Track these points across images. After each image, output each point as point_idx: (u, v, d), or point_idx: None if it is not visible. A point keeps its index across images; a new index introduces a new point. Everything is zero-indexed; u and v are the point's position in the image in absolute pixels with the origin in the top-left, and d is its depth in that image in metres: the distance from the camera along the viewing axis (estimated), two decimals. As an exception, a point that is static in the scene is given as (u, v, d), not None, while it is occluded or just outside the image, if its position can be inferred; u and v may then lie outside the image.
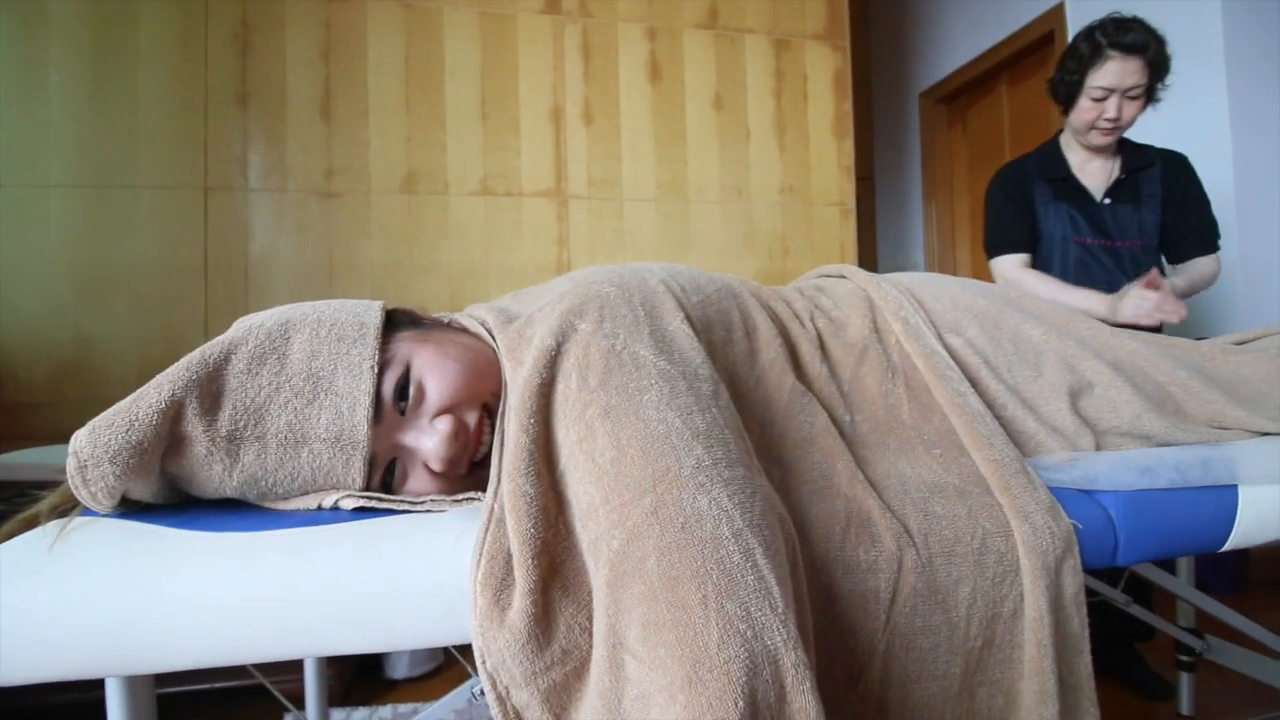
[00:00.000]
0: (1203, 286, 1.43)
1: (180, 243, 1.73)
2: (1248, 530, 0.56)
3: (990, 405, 0.58)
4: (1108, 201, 1.42)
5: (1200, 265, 1.42)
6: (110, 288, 1.70)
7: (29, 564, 0.39)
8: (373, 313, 0.50)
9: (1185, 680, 1.24)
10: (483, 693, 0.82)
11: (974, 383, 0.59)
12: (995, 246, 1.46)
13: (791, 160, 2.18)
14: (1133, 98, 1.32)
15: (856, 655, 0.44)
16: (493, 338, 0.53)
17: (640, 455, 0.39)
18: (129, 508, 0.45)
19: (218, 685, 1.23)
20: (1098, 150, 1.41)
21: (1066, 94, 1.38)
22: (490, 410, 0.50)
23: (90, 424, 0.41)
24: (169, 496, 0.46)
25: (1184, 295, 1.37)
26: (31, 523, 0.45)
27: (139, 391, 0.42)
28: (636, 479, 0.38)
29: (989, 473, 0.50)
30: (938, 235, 3.39)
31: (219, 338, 0.47)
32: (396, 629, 0.40)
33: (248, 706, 1.29)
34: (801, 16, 2.20)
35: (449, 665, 1.49)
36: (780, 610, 0.35)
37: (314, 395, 0.45)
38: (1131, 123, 1.36)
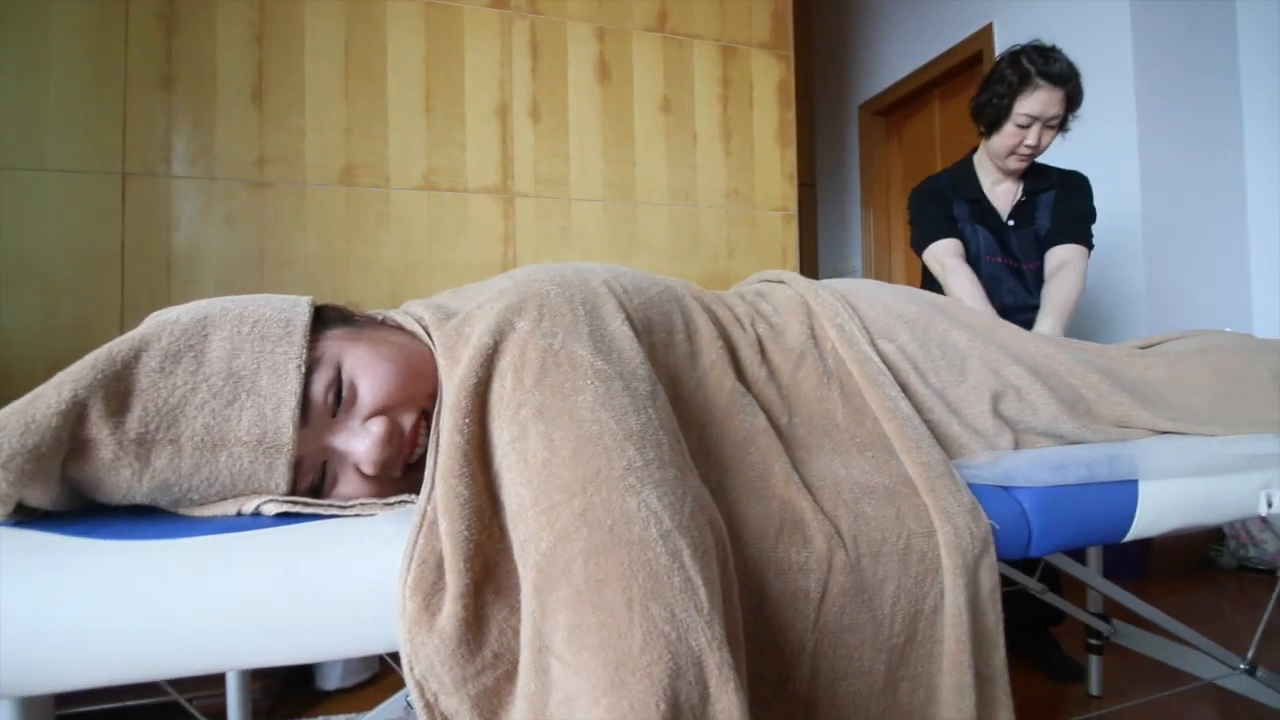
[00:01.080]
0: (1080, 287, 1.39)
1: (95, 230, 1.62)
2: (1147, 522, 0.60)
3: (918, 409, 0.61)
4: (1012, 223, 1.48)
5: (1065, 255, 1.40)
6: (14, 277, 1.57)
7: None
8: (300, 309, 0.48)
9: (1094, 662, 1.32)
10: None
11: (904, 387, 0.62)
12: (926, 238, 1.49)
13: (737, 165, 2.21)
14: (1050, 127, 1.37)
15: (786, 654, 0.45)
16: (429, 336, 0.52)
17: (572, 456, 0.39)
18: (27, 515, 0.42)
19: (128, 704, 1.16)
20: (1009, 173, 1.47)
21: (992, 117, 1.41)
22: (427, 412, 0.49)
23: None
24: (71, 503, 0.43)
25: (1075, 310, 1.38)
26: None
27: (37, 391, 0.39)
28: (566, 480, 0.38)
29: (916, 475, 0.52)
30: (875, 242, 3.51)
31: (129, 333, 0.44)
32: (321, 638, 0.39)
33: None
34: (748, 25, 2.24)
35: (385, 674, 1.45)
36: (706, 611, 0.35)
37: (234, 396, 0.43)
38: (1045, 150, 1.42)
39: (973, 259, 1.47)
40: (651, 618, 0.34)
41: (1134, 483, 0.60)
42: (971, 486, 0.54)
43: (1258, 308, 2.26)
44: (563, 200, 2.01)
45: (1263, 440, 0.66)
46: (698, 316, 0.60)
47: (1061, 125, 1.40)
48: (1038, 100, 1.34)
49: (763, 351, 0.62)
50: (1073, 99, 1.36)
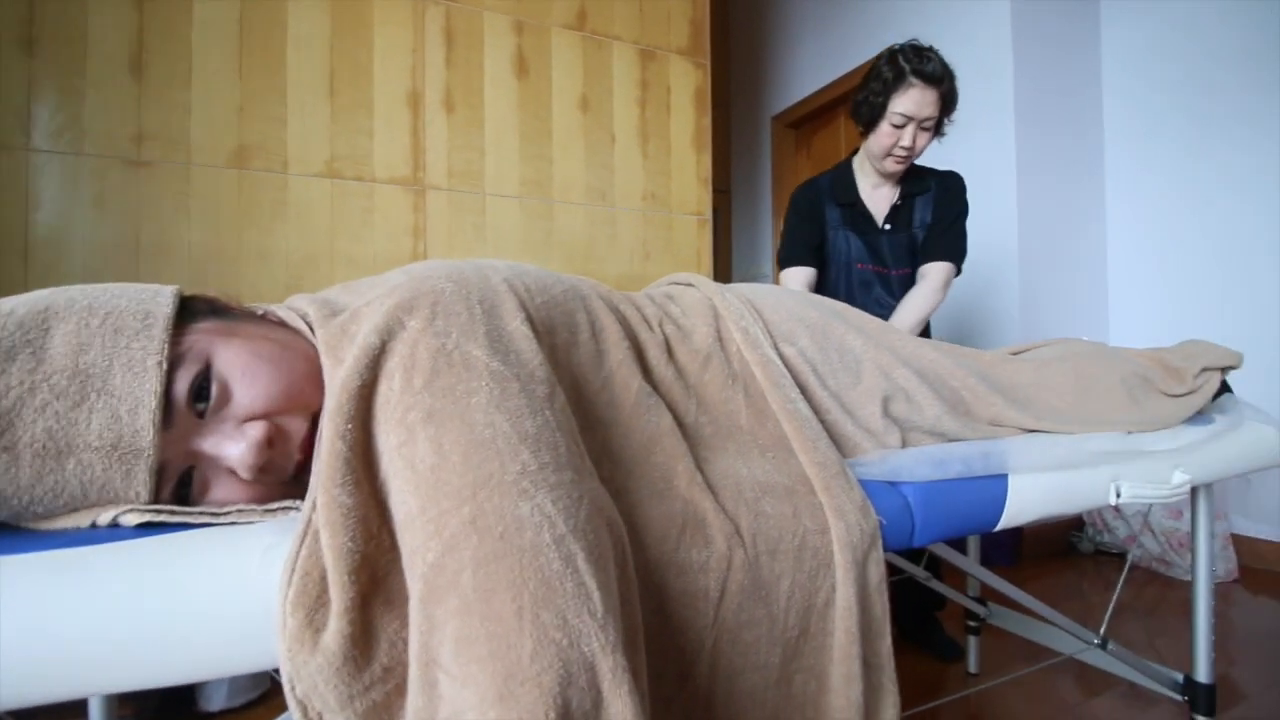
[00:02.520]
0: (933, 304, 1.42)
1: (-68, 207, 1.43)
2: (1015, 512, 0.65)
3: (816, 410, 0.63)
4: (888, 228, 1.50)
5: (930, 272, 1.44)
6: None
7: None
8: (162, 299, 0.44)
9: (972, 642, 1.43)
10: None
11: (803, 389, 0.64)
12: (785, 260, 1.55)
13: (654, 168, 2.24)
14: (925, 129, 1.38)
15: (686, 653, 0.46)
16: (313, 332, 0.49)
17: (462, 461, 0.38)
18: None
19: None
20: (887, 176, 1.48)
21: (869, 115, 1.42)
22: (318, 416, 0.46)
23: None
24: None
25: (918, 327, 1.41)
26: None
27: None
28: (456, 486, 0.37)
29: (813, 474, 0.55)
30: (787, 248, 3.65)
31: None
32: (190, 657, 0.36)
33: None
34: (667, 30, 2.27)
35: (276, 692, 1.36)
36: (600, 615, 0.35)
37: (81, 397, 0.38)
38: (920, 153, 1.42)
39: (843, 265, 1.52)
40: (542, 625, 0.33)
41: (1004, 477, 0.65)
42: (862, 482, 0.57)
43: (1114, 321, 2.53)
44: (477, 195, 1.97)
45: (1113, 439, 0.73)
46: (604, 316, 0.60)
47: (937, 129, 1.41)
48: (911, 99, 1.34)
49: (670, 352, 0.63)
50: (947, 100, 1.37)
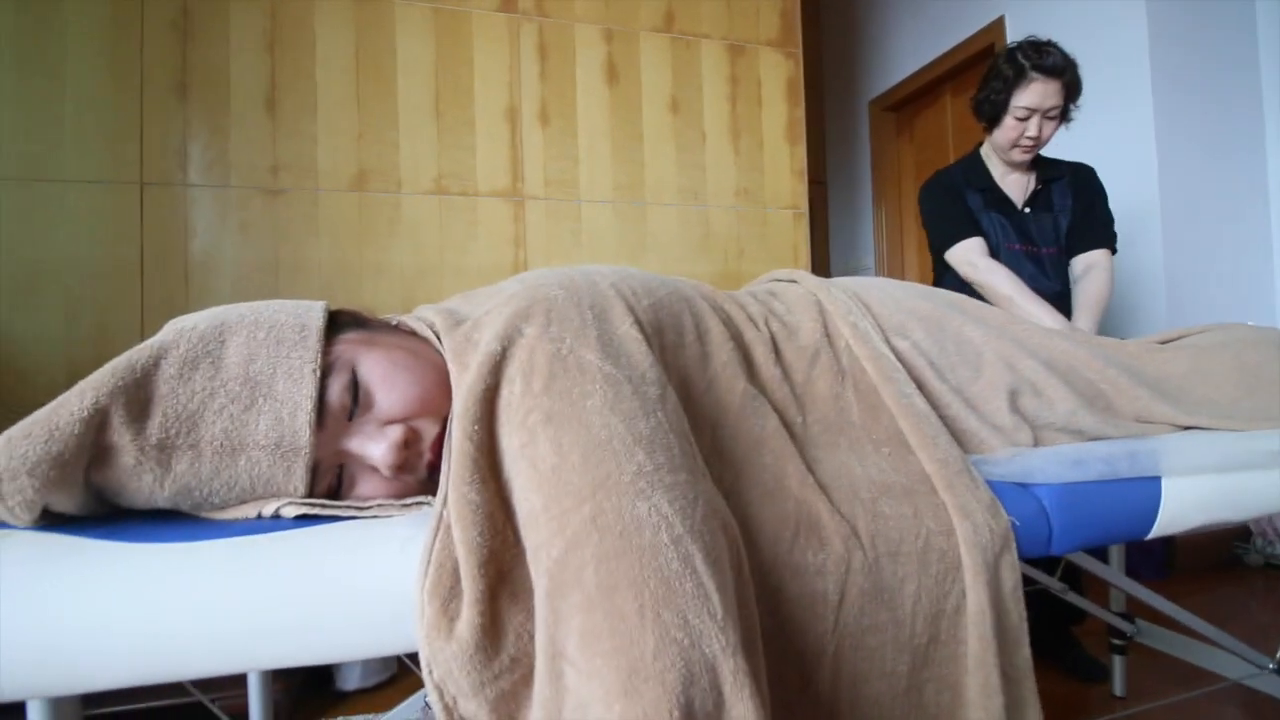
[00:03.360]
0: (1111, 287, 1.45)
1: (114, 240, 1.65)
2: (1170, 519, 0.59)
3: (934, 405, 0.60)
4: (1028, 210, 1.50)
5: (1096, 260, 1.46)
6: (37, 287, 1.60)
7: (-61, 582, 0.37)
8: (314, 314, 0.49)
9: (1118, 663, 1.30)
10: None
11: (919, 384, 0.61)
12: (949, 238, 1.48)
13: (746, 164, 2.21)
14: (1051, 118, 1.40)
15: (806, 658, 0.44)
16: (440, 341, 0.52)
17: (581, 461, 0.39)
18: (52, 520, 0.42)
19: (151, 705, 1.18)
20: (1016, 165, 1.49)
21: (992, 113, 1.45)
22: (447, 420, 0.49)
23: (5, 434, 0.38)
24: (95, 508, 0.44)
25: (1099, 315, 1.42)
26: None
27: (60, 399, 0.40)
28: (576, 486, 0.38)
29: (934, 472, 0.52)
30: (886, 238, 3.49)
31: (148, 341, 0.45)
32: (341, 640, 0.39)
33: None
34: (756, 23, 2.24)
35: (403, 675, 1.46)
36: (719, 617, 0.35)
37: (251, 400, 0.43)
38: (1048, 141, 1.43)
39: (992, 248, 1.47)
40: (664, 624, 0.34)
41: (1156, 479, 0.59)
42: (990, 483, 0.53)
43: (1280, 300, 2.22)
44: (572, 202, 2.02)
45: (1288, 435, 0.64)
46: (708, 317, 0.60)
47: (1063, 116, 1.42)
48: (1034, 93, 1.37)
49: (776, 351, 0.62)
50: (1070, 89, 1.39)
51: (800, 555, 0.45)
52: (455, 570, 0.38)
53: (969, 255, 1.43)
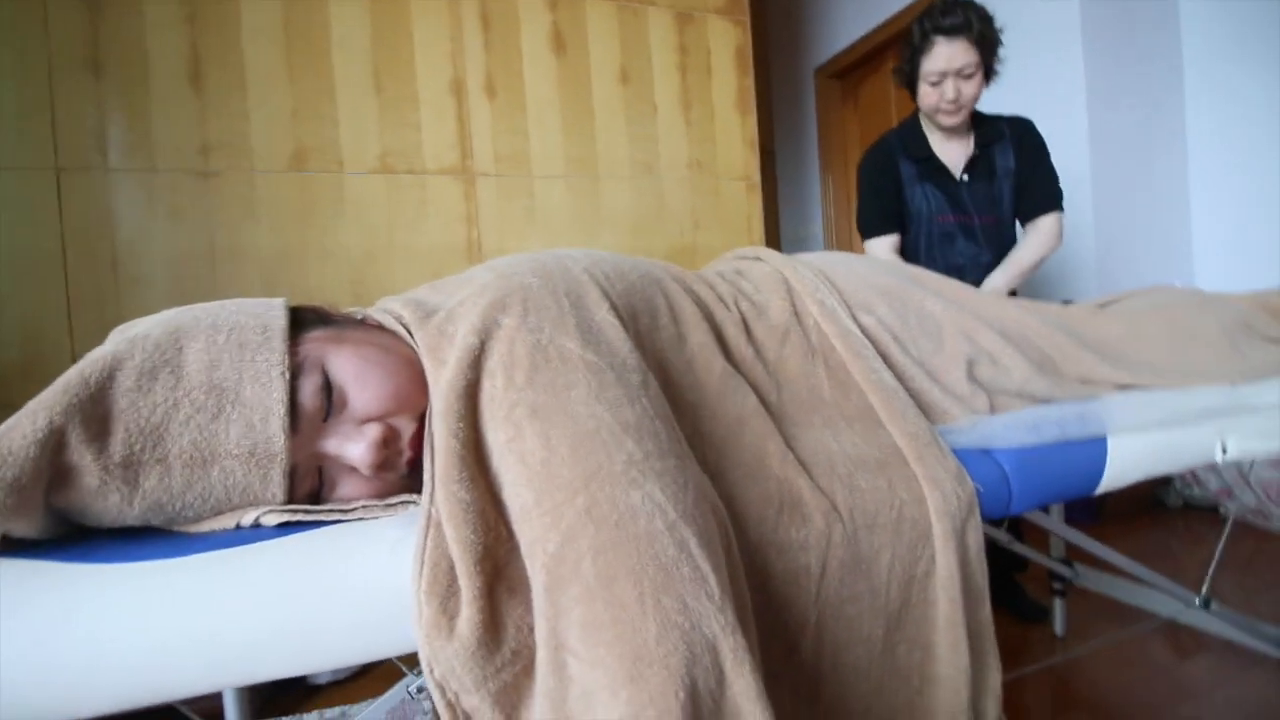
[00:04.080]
0: (1048, 250, 1.47)
1: (32, 231, 1.53)
2: (1116, 475, 0.63)
3: (900, 378, 0.62)
4: (966, 178, 1.49)
5: (1042, 225, 1.48)
6: (-56, 284, 1.48)
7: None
8: (275, 313, 0.47)
9: (1058, 605, 1.40)
10: (420, 690, 0.80)
11: (885, 358, 0.63)
12: (868, 229, 1.53)
13: (698, 135, 2.20)
14: (966, 76, 1.37)
15: (790, 629, 0.46)
16: (410, 335, 0.51)
17: (570, 454, 0.39)
18: (9, 546, 0.40)
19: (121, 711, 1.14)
20: (950, 130, 1.48)
21: (907, 81, 1.46)
22: (424, 416, 0.48)
23: None
24: (57, 530, 0.41)
25: (1030, 270, 1.46)
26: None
27: (10, 421, 0.37)
28: (568, 478, 0.38)
29: (904, 445, 0.54)
30: (835, 207, 3.54)
31: (96, 353, 0.42)
32: (335, 646, 0.39)
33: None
34: (703, -10, 2.21)
35: (374, 665, 1.45)
36: (717, 598, 0.36)
37: (219, 409, 0.41)
38: (974, 99, 1.41)
39: (924, 220, 1.50)
40: (664, 610, 0.35)
41: (1103, 439, 0.63)
42: (954, 451, 0.56)
43: (1199, 262, 2.37)
44: (524, 178, 1.98)
45: (1217, 392, 0.70)
46: (680, 299, 0.60)
47: (987, 74, 1.40)
48: (939, 56, 1.36)
49: (747, 330, 0.63)
50: (982, 44, 1.36)
51: (784, 533, 0.47)
52: (450, 569, 0.38)
53: (877, 254, 1.50)
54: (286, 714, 1.28)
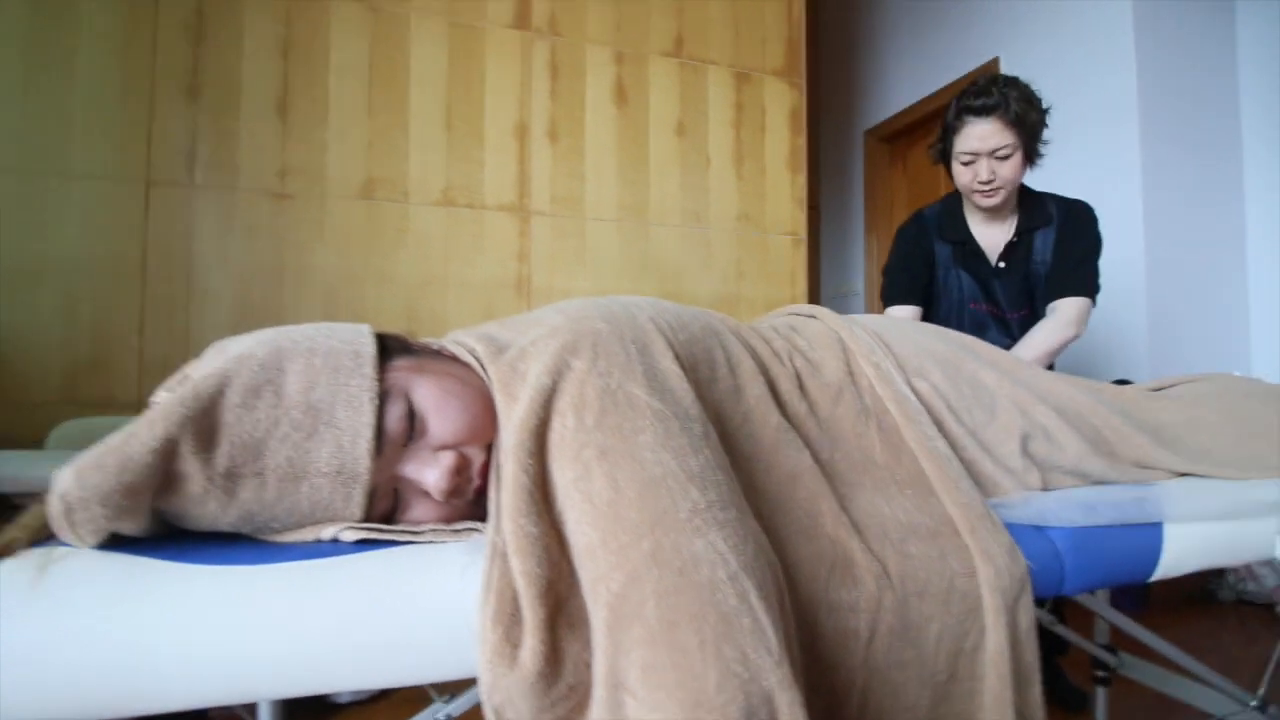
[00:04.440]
0: (1063, 338, 1.34)
1: (117, 237, 1.64)
2: (1172, 563, 0.62)
3: (953, 447, 0.63)
4: (1002, 265, 1.43)
5: (1061, 309, 1.36)
6: (35, 282, 1.58)
7: (10, 600, 0.37)
8: (365, 340, 0.50)
9: (1100, 693, 1.34)
10: (449, 717, 0.80)
11: (938, 425, 0.64)
12: (891, 297, 1.50)
13: (748, 190, 2.25)
14: (1002, 158, 1.32)
15: (837, 691, 0.46)
16: (483, 368, 0.53)
17: (637, 497, 0.40)
18: (111, 540, 0.43)
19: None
20: (992, 211, 1.42)
21: (943, 160, 1.43)
22: (490, 446, 0.50)
23: (75, 464, 0.39)
24: (155, 531, 0.44)
25: (1041, 361, 1.33)
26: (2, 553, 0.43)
27: (129, 429, 0.40)
28: (634, 521, 0.39)
29: (957, 515, 0.54)
30: (877, 266, 3.56)
31: (204, 369, 0.45)
32: (403, 664, 0.40)
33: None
34: (762, 52, 2.29)
35: (394, 689, 1.45)
36: (775, 652, 0.37)
37: (314, 428, 0.44)
38: (1011, 182, 1.35)
39: (955, 304, 1.45)
40: (724, 659, 0.35)
41: (1159, 525, 0.62)
42: (1007, 526, 0.56)
43: (1256, 351, 2.31)
44: (577, 219, 2.04)
45: (1277, 486, 0.68)
46: (737, 351, 0.62)
47: (1027, 156, 1.35)
48: (970, 136, 1.32)
49: (801, 386, 0.64)
50: (1019, 126, 1.31)
51: (835, 593, 0.47)
52: (514, 598, 0.40)
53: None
54: (304, 730, 1.28)
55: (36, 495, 0.43)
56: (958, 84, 2.96)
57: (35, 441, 1.48)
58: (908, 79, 3.30)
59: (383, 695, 1.41)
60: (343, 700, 1.36)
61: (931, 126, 3.24)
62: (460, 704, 0.83)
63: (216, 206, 1.72)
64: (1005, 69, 2.71)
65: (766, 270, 2.26)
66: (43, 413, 1.55)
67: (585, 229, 2.05)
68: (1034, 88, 1.36)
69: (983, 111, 1.31)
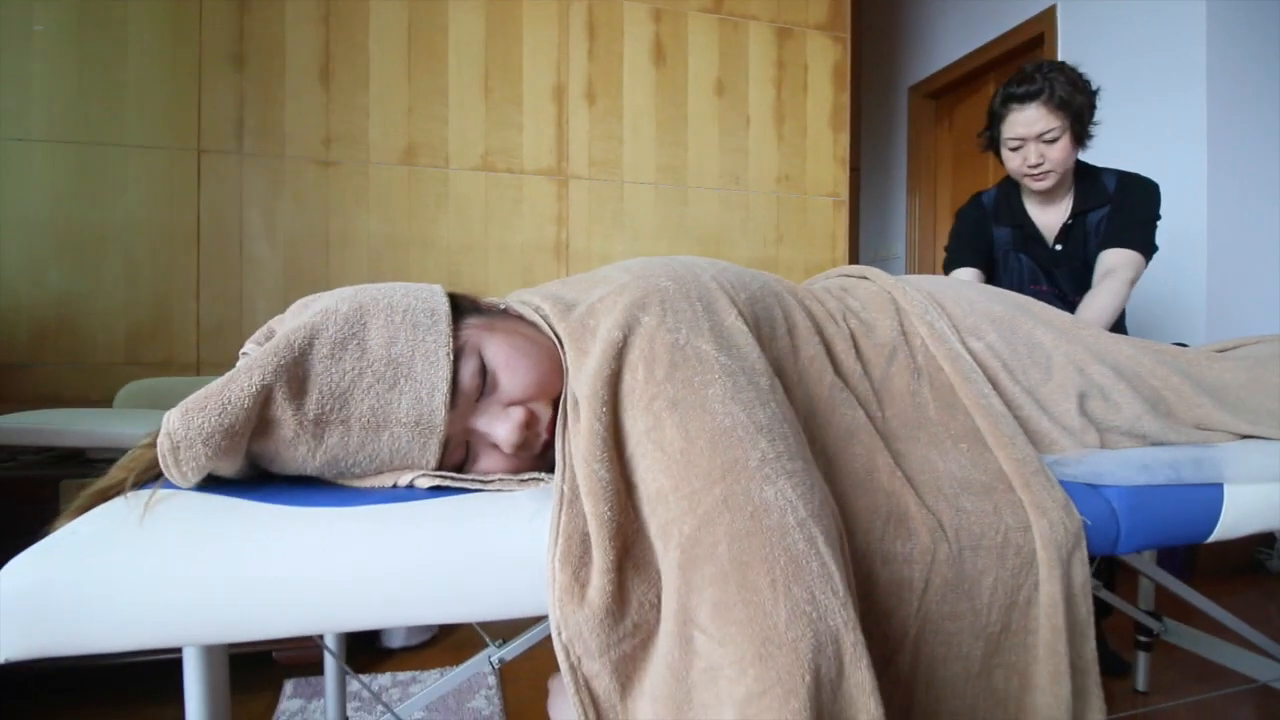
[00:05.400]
0: (1113, 305, 1.30)
1: (173, 206, 1.70)
2: (1230, 524, 0.61)
3: (1008, 405, 0.62)
4: (1059, 248, 1.42)
5: (1109, 262, 1.33)
6: (97, 249, 1.66)
7: (120, 536, 0.41)
8: (439, 299, 0.52)
9: (1142, 659, 1.33)
10: (500, 661, 0.84)
11: (993, 384, 0.63)
12: (951, 263, 1.51)
13: (789, 150, 2.20)
14: (1049, 141, 1.32)
15: (890, 639, 0.48)
16: (550, 326, 0.55)
17: (709, 446, 0.42)
18: (208, 482, 0.46)
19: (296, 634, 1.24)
20: (1044, 194, 1.41)
21: (991, 147, 1.44)
22: (557, 401, 0.52)
23: (182, 405, 0.42)
24: (248, 474, 0.47)
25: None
26: (102, 496, 0.46)
27: (229, 375, 0.43)
28: (705, 469, 0.41)
29: (1011, 470, 0.54)
30: (919, 230, 3.46)
31: (292, 323, 0.48)
32: (477, 600, 0.43)
33: (242, 673, 1.31)
34: (804, 6, 2.22)
35: (444, 635, 1.52)
36: (841, 594, 0.38)
37: (395, 381, 0.46)
38: (1061, 163, 1.34)
39: (1017, 287, 1.44)
40: (794, 599, 0.37)
41: (1219, 486, 0.61)
42: (1062, 483, 0.56)
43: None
44: (615, 183, 2.04)
45: (1348, 448, 0.66)
46: (795, 311, 0.62)
47: (1076, 138, 1.34)
48: (1017, 122, 1.34)
49: (856, 347, 0.64)
50: (1065, 109, 1.31)
51: (890, 544, 0.48)
52: (583, 540, 0.42)
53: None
54: (362, 673, 1.36)
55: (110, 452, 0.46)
56: (1009, 36, 2.82)
57: (105, 400, 1.57)
58: (956, 32, 3.15)
59: (433, 640, 1.49)
60: (395, 645, 1.44)
61: (979, 83, 3.11)
62: (512, 649, 0.86)
63: (265, 174, 1.76)
64: (1062, 19, 2.57)
65: (806, 233, 2.22)
66: (110, 374, 1.63)
67: (623, 192, 2.04)
68: (1081, 71, 1.35)
69: (1026, 98, 1.33)
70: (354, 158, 1.81)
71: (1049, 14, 2.63)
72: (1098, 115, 1.37)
